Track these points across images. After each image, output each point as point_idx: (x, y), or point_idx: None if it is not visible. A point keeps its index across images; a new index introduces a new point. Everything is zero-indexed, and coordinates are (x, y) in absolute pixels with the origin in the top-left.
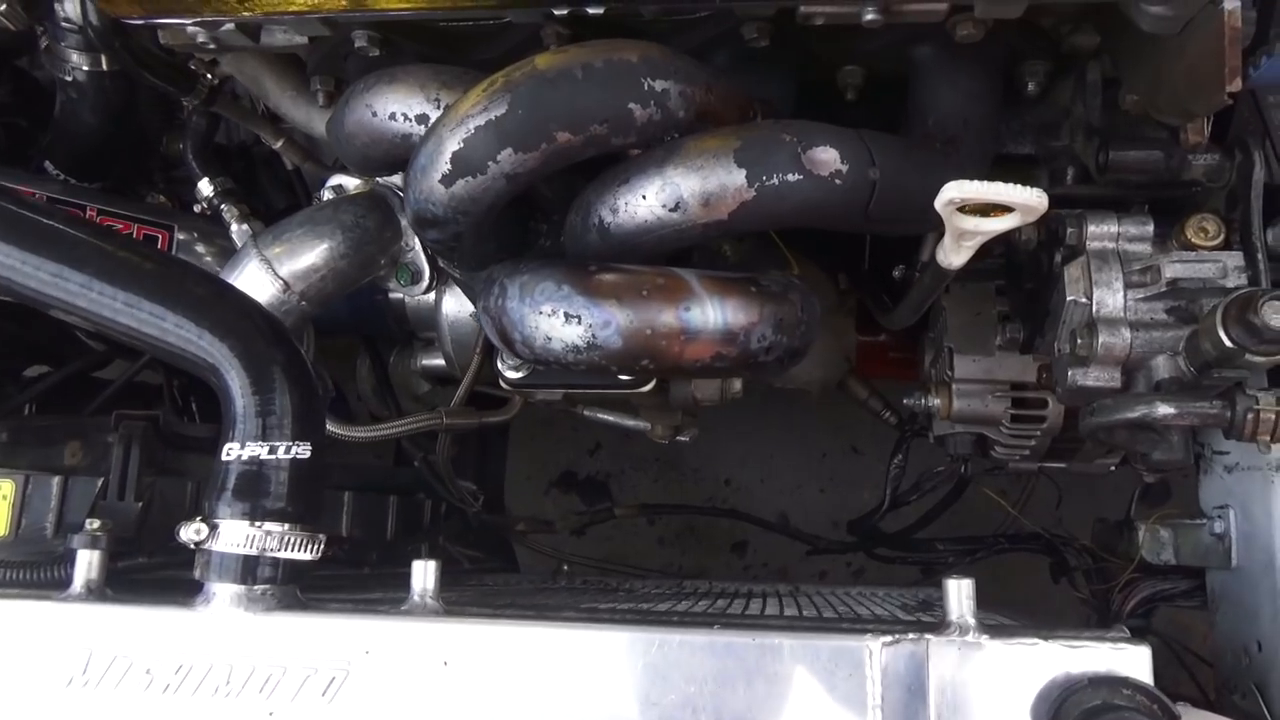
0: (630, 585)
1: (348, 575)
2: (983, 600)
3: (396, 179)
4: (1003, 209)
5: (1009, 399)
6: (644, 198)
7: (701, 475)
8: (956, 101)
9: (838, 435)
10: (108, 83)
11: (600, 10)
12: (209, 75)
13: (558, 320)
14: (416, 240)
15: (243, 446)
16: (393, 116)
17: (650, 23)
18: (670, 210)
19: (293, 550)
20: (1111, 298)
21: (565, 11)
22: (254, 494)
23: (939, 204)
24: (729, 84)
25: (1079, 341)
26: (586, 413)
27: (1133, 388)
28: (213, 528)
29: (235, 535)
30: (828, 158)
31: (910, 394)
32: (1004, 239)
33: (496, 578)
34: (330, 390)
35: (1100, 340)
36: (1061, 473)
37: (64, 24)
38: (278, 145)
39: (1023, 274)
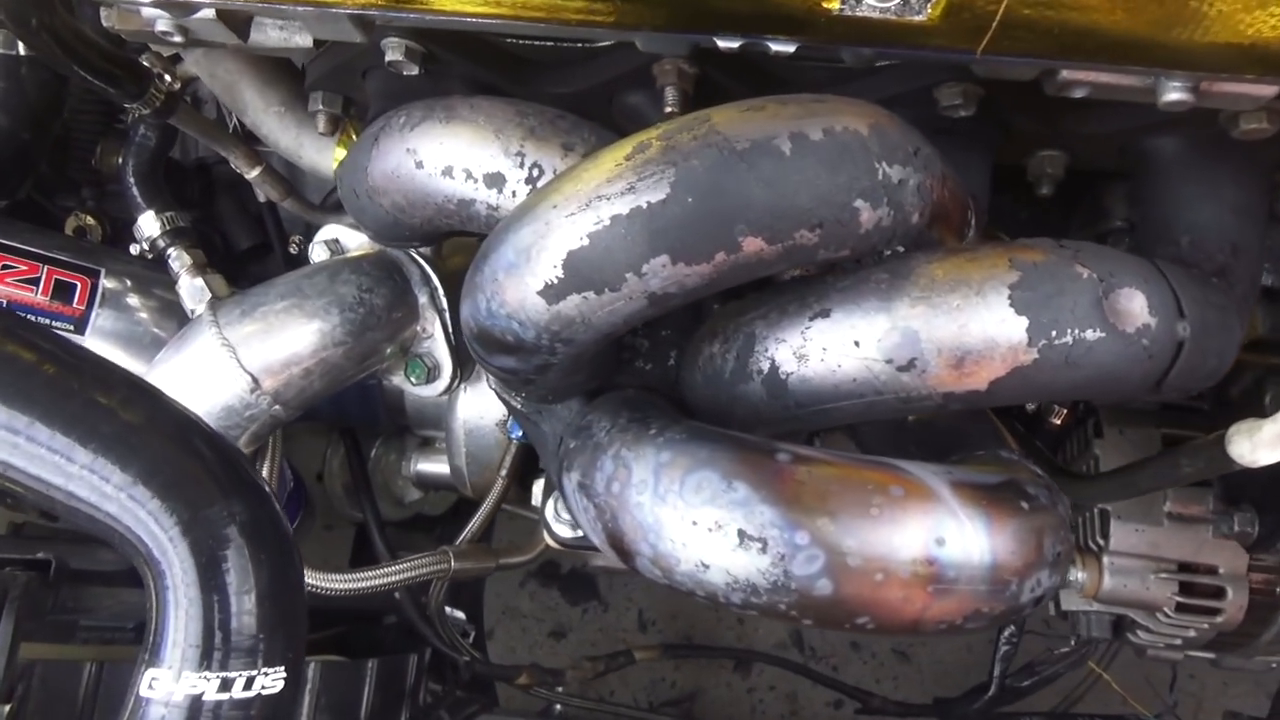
0: None
1: None
2: None
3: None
4: None
5: (1176, 583)
6: (856, 345)
7: None
8: (1221, 217)
9: None
10: (24, 72)
11: (790, 49)
12: (167, 77)
13: (726, 540)
14: (437, 325)
15: (178, 678)
16: (448, 172)
17: (811, 68)
18: (899, 370)
19: None
20: None
21: (735, 45)
22: None
23: None
24: (954, 173)
25: None
26: None
27: None
28: None
29: None
30: (1135, 307)
31: None
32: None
33: None
34: (289, 481)
35: None
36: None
37: None
38: (253, 175)
39: None
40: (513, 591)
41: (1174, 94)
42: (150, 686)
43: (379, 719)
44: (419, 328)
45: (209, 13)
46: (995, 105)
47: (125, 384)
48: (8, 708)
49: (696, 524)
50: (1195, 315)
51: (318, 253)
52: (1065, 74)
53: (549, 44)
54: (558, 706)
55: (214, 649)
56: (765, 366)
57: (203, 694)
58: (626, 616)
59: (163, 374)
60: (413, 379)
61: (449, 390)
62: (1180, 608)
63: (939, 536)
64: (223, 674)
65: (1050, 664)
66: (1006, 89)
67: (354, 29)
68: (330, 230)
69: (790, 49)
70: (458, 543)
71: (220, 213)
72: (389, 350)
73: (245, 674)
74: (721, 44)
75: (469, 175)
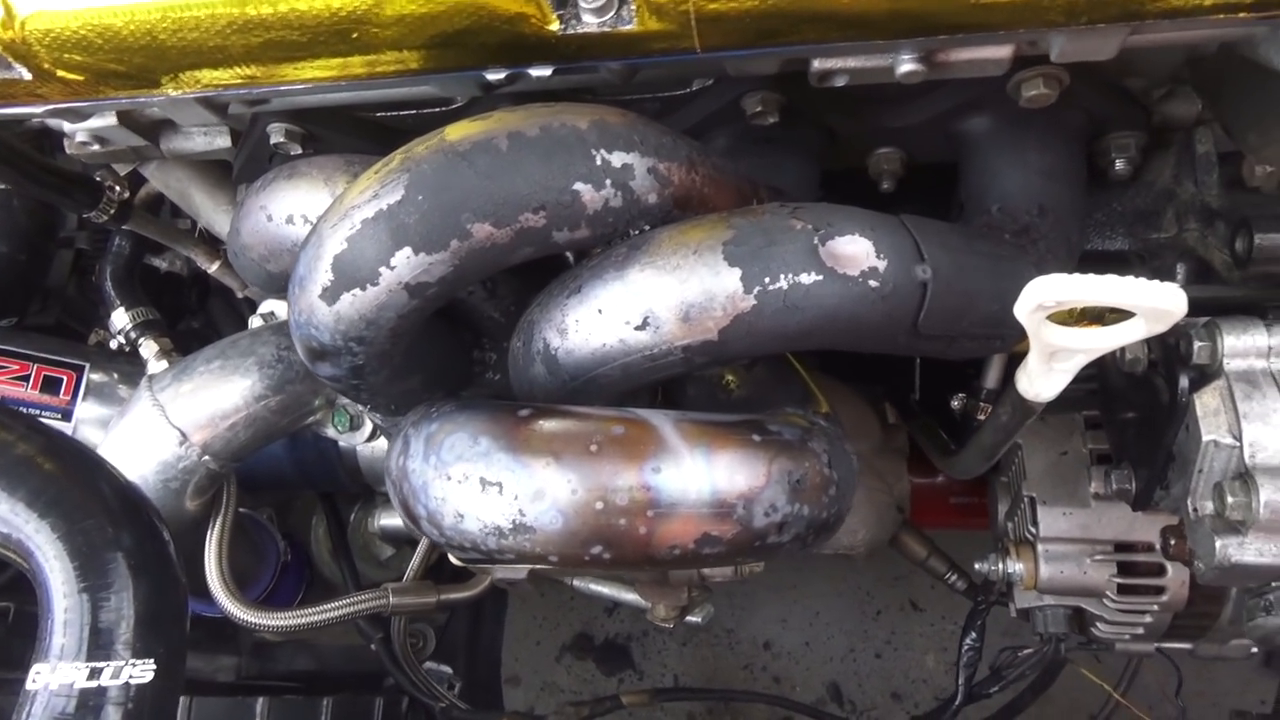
0: None
1: None
2: None
3: None
4: (1116, 314)
5: (1113, 564)
6: (600, 313)
7: (737, 638)
8: (1028, 182)
9: (893, 589)
10: (16, 202)
11: (547, 72)
12: (117, 188)
13: (471, 489)
14: None
15: (54, 670)
16: (290, 220)
17: (628, 101)
18: (637, 329)
19: None
20: (1271, 437)
21: (502, 75)
22: None
23: (1022, 311)
24: (722, 163)
25: (1229, 500)
26: (577, 584)
27: None
28: None
29: None
30: (857, 251)
31: (983, 556)
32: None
33: None
34: (284, 555)
35: (1262, 498)
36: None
37: None
38: (213, 268)
39: (1127, 403)
40: (550, 667)
41: (907, 65)
42: (33, 680)
43: None
44: None
45: (112, 119)
46: (807, 112)
47: (25, 425)
48: None
49: (450, 478)
50: (944, 260)
51: (254, 324)
52: (817, 64)
53: (410, 114)
54: None
55: (92, 642)
56: (541, 347)
57: (73, 682)
58: (662, 683)
59: (112, 440)
60: (339, 428)
61: (373, 437)
62: (1122, 589)
63: (655, 464)
64: (91, 664)
65: (1015, 666)
66: (819, 96)
67: (207, 111)
68: (267, 304)
69: (547, 73)
70: (403, 580)
71: (213, 315)
72: (316, 403)
73: (114, 664)
74: (490, 76)
75: (305, 220)
